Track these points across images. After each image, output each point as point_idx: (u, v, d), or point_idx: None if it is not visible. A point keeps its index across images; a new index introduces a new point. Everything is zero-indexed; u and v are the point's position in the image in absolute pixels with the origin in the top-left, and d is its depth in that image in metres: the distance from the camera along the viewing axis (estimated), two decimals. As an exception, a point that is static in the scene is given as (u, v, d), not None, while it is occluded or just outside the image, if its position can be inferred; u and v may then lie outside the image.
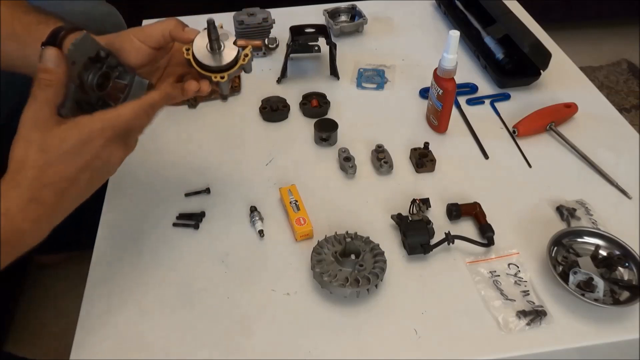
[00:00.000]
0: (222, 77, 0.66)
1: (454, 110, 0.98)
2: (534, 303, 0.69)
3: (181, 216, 0.80)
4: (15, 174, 0.53)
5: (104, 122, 0.56)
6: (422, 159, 0.87)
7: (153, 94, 0.62)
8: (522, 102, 1.01)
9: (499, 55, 1.07)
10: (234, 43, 0.67)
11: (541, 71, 1.03)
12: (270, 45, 0.66)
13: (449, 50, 0.86)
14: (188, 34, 0.68)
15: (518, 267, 0.74)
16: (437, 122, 0.94)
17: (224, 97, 1.04)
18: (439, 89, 0.90)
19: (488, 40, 1.11)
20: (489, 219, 0.79)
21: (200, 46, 0.66)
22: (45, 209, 0.54)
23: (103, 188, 0.61)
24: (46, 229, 0.56)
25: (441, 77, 0.89)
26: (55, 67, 0.55)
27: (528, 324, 0.67)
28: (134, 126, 0.60)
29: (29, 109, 0.55)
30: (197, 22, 1.22)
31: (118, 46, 0.65)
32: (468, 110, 1.01)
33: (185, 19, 1.27)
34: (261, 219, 0.80)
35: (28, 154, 0.53)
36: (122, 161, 0.60)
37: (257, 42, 0.68)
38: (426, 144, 0.90)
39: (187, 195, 0.84)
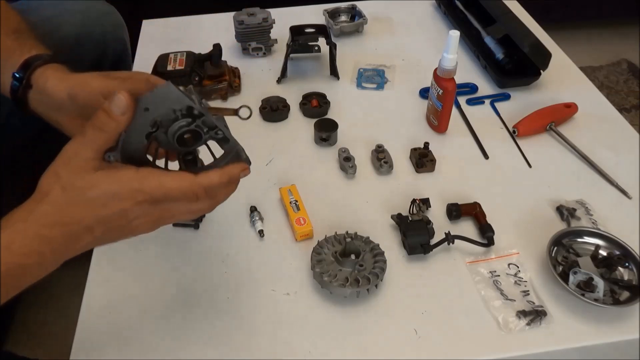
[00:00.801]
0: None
1: (454, 110, 0.98)
2: (534, 303, 0.69)
3: (181, 216, 0.80)
4: (32, 205, 0.50)
5: (141, 185, 0.50)
6: (422, 159, 0.87)
7: (212, 175, 0.54)
8: (522, 102, 1.01)
9: (499, 55, 1.07)
10: None
11: (541, 71, 1.03)
12: (242, 117, 0.59)
13: (449, 50, 0.86)
14: None
15: (518, 267, 0.74)
16: (437, 122, 0.94)
17: (224, 97, 1.04)
18: (439, 89, 0.90)
19: (488, 40, 1.11)
20: (489, 219, 0.79)
21: None
22: (51, 247, 0.50)
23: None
24: (50, 267, 0.52)
25: (441, 77, 0.89)
26: (119, 115, 0.50)
27: (528, 324, 0.67)
28: (176, 203, 0.53)
29: (73, 143, 0.51)
30: (198, 21, 1.23)
31: (76, 91, 0.61)
32: (468, 110, 1.01)
33: (185, 19, 1.28)
34: (261, 219, 0.80)
35: (51, 188, 0.50)
36: (152, 230, 0.55)
37: (228, 111, 0.60)
38: (426, 144, 0.90)
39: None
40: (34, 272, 0.51)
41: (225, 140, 0.56)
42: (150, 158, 0.56)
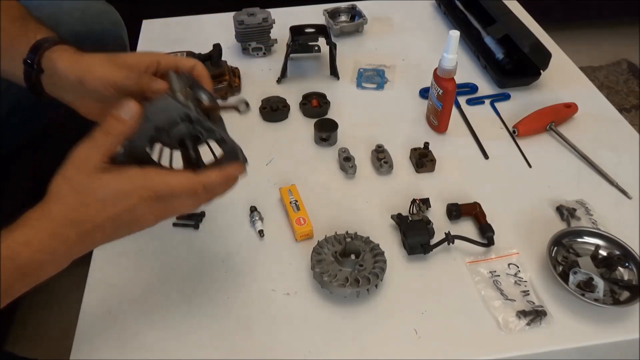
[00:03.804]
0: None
1: (454, 110, 0.98)
2: (534, 303, 0.69)
3: (181, 216, 0.80)
4: (46, 206, 0.53)
5: (146, 183, 0.54)
6: (422, 159, 0.87)
7: (212, 174, 0.57)
8: (522, 102, 1.01)
9: (499, 55, 1.07)
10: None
11: (541, 71, 1.03)
12: (241, 112, 0.61)
13: (449, 50, 0.86)
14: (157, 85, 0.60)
15: (518, 267, 0.74)
16: (437, 122, 0.94)
17: (224, 97, 1.04)
18: (439, 89, 0.90)
19: (488, 40, 1.11)
20: (489, 219, 0.79)
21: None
22: (65, 245, 0.54)
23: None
24: (63, 263, 0.55)
25: (441, 77, 0.89)
26: (128, 119, 0.54)
27: (528, 324, 0.67)
28: (178, 199, 0.57)
29: (82, 148, 0.54)
30: (198, 21, 1.23)
31: (85, 77, 0.62)
32: (468, 110, 1.01)
33: (185, 19, 1.28)
34: (261, 219, 0.80)
35: (62, 190, 0.53)
36: (156, 223, 0.58)
37: (229, 108, 0.61)
38: (426, 144, 0.90)
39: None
40: (47, 268, 0.54)
41: (223, 141, 0.59)
42: (155, 159, 0.59)
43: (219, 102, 0.64)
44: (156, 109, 0.55)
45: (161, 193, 0.55)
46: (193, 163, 0.61)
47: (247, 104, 0.60)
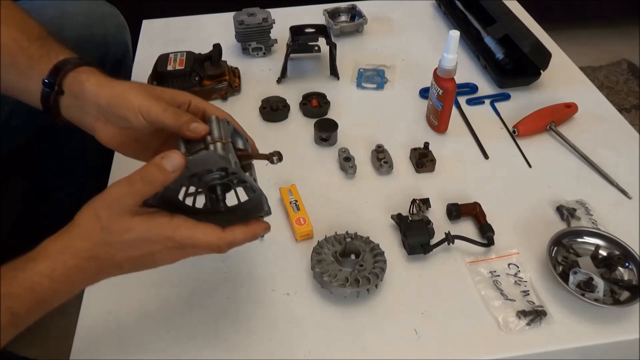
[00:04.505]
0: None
1: (454, 110, 0.98)
2: (534, 303, 0.69)
3: (181, 216, 0.80)
4: (71, 238, 0.54)
5: (174, 234, 0.55)
6: (422, 159, 0.87)
7: (237, 233, 0.58)
8: (522, 102, 1.01)
9: (499, 55, 1.07)
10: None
11: (541, 71, 1.03)
12: (273, 162, 0.63)
13: (449, 50, 0.86)
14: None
15: (518, 267, 0.74)
16: (437, 122, 0.94)
17: (224, 97, 1.04)
18: (439, 89, 0.90)
19: (488, 40, 1.11)
20: (489, 219, 0.79)
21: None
22: (83, 277, 0.55)
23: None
24: (77, 291, 0.56)
25: (441, 77, 0.89)
26: (171, 172, 0.54)
27: (528, 324, 0.67)
28: (200, 249, 0.58)
29: (117, 188, 0.54)
30: (198, 21, 1.23)
31: (116, 102, 0.60)
32: (468, 110, 1.01)
33: (185, 19, 1.28)
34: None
35: (90, 225, 0.54)
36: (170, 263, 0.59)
37: (261, 157, 0.62)
38: (426, 144, 0.90)
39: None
40: (62, 297, 0.55)
41: (252, 190, 0.60)
42: (180, 197, 0.59)
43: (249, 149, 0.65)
44: (197, 161, 0.55)
45: (185, 245, 0.56)
46: (214, 202, 0.61)
47: (280, 156, 0.61)
